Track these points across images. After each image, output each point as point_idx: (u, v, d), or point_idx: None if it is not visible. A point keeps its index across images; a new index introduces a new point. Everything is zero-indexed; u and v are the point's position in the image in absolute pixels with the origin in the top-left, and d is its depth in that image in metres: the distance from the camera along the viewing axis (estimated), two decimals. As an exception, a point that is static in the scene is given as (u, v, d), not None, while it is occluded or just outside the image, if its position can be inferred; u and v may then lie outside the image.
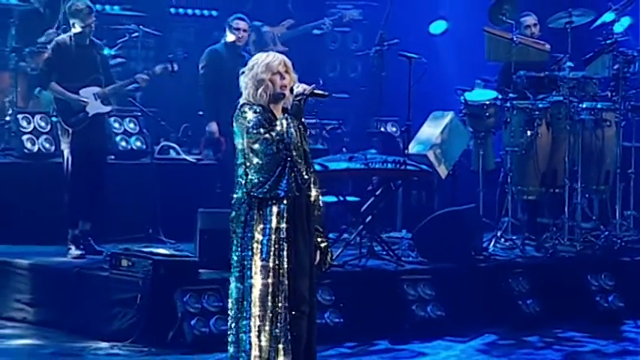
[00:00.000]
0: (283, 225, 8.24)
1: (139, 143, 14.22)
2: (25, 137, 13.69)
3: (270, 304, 8.25)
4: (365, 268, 12.42)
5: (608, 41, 13.97)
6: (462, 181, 14.25)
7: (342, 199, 12.90)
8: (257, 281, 8.23)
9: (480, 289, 12.63)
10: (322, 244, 8.51)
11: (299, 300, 8.31)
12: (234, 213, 8.34)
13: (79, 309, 11.74)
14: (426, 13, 16.79)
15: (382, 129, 15.65)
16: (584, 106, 13.68)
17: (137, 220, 13.49)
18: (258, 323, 8.24)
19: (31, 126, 13.71)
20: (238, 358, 8.28)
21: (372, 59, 15.04)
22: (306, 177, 8.28)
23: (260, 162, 8.17)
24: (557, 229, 13.70)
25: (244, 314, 8.27)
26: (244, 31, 13.93)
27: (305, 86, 8.33)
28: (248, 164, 8.21)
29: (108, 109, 12.99)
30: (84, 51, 12.85)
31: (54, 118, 13.20)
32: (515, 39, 13.81)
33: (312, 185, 8.45)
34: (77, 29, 12.81)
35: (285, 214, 8.25)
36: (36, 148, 13.75)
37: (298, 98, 8.29)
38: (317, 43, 17.18)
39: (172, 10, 16.51)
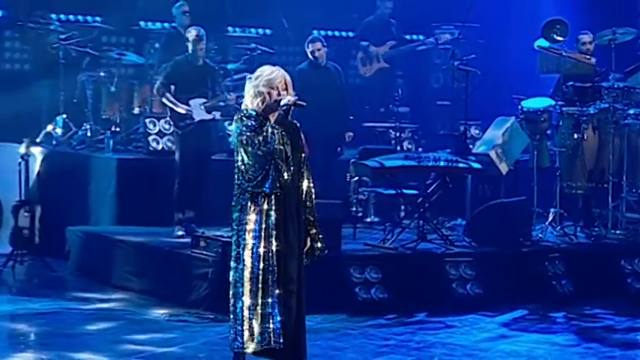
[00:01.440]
0: (272, 213, 8.03)
1: None
2: (150, 138, 13.72)
3: (260, 284, 8.02)
4: (415, 251, 12.07)
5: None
6: (524, 176, 13.77)
7: (399, 191, 12.61)
8: (248, 262, 8.03)
9: (519, 270, 12.15)
10: (312, 232, 8.26)
11: (288, 280, 8.09)
12: (233, 202, 8.17)
13: (168, 281, 11.74)
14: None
15: (468, 132, 15.32)
16: (631, 112, 13.04)
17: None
18: (250, 300, 8.02)
19: (157, 128, 13.73)
20: (235, 331, 8.07)
21: (455, 72, 14.79)
22: (285, 177, 8.04)
23: (250, 162, 8.01)
24: (603, 219, 13.15)
25: (239, 291, 8.07)
26: (319, 50, 13.49)
27: (290, 98, 8.10)
28: (242, 162, 8.04)
29: (211, 116, 12.90)
30: (195, 69, 12.89)
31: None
32: (564, 54, 13.41)
33: (304, 179, 8.21)
34: (190, 51, 12.92)
35: (274, 204, 8.04)
36: (160, 147, 13.76)
37: (284, 108, 8.09)
38: (425, 58, 17.01)
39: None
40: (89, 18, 15.61)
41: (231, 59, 15.21)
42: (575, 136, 13.19)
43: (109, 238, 12.66)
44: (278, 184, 8.03)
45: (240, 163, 8.07)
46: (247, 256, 8.06)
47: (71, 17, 15.74)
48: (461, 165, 12.63)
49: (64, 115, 14.52)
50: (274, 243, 8.05)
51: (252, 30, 16.32)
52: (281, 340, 8.02)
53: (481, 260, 12.11)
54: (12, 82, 15.08)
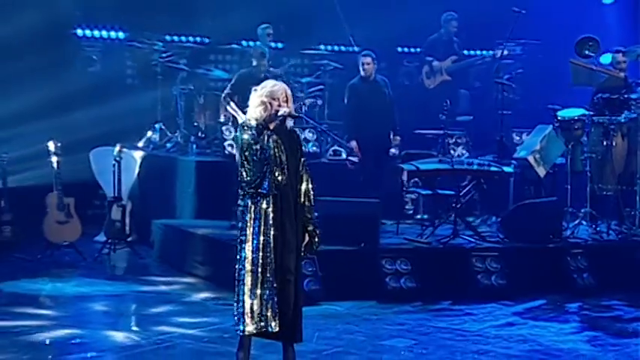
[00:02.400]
0: (270, 212, 7.98)
1: (314, 148, 14.01)
2: (226, 143, 13.77)
3: (259, 274, 7.99)
4: (447, 245, 11.89)
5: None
6: (561, 179, 13.36)
7: (435, 191, 12.48)
8: (249, 255, 8.01)
9: (543, 264, 11.88)
10: (308, 228, 8.20)
11: (285, 270, 8.03)
12: (238, 202, 8.14)
13: (226, 268, 11.74)
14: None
15: (518, 138, 15.09)
16: (658, 122, 12.74)
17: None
18: (250, 288, 8.00)
19: (232, 134, 13.77)
20: (237, 315, 8.01)
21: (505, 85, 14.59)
22: (280, 179, 7.99)
23: (249, 166, 7.99)
24: (631, 218, 12.82)
25: (241, 280, 8.05)
26: (368, 64, 13.34)
27: (286, 110, 8.06)
28: (243, 167, 8.00)
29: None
30: (257, 82, 12.87)
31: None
32: (594, 68, 13.11)
33: (303, 181, 8.15)
34: (254, 65, 13.03)
35: (271, 204, 7.99)
36: (234, 151, 13.87)
37: (280, 118, 8.10)
38: (488, 71, 16.75)
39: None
40: (183, 38, 15.87)
41: (306, 74, 15.30)
42: (605, 142, 12.87)
43: (183, 230, 12.84)
44: (274, 186, 7.98)
45: (241, 168, 8.03)
46: (248, 249, 8.04)
47: (175, 38, 16.02)
48: (493, 168, 12.46)
49: (161, 123, 14.80)
50: (272, 238, 8.00)
51: (325, 47, 16.31)
52: (277, 326, 7.98)
53: (507, 254, 11.86)
54: (122, 94, 15.38)
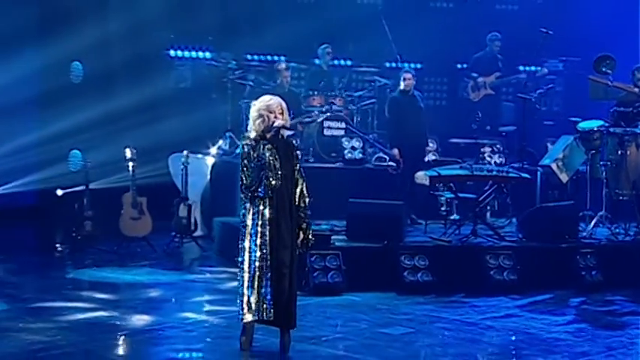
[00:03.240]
0: (266, 212, 8.18)
1: (360, 155, 14.08)
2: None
3: (257, 269, 8.18)
4: (465, 243, 11.87)
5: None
6: (583, 184, 13.25)
7: (456, 195, 12.46)
8: (248, 250, 8.23)
9: (554, 262, 11.75)
10: (303, 226, 8.35)
11: (280, 265, 8.23)
12: (239, 204, 8.40)
13: None
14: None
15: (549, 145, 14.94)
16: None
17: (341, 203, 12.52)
18: (248, 282, 8.21)
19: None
20: (239, 304, 8.25)
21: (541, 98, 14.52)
22: (274, 183, 8.16)
23: (248, 172, 8.20)
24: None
25: (241, 273, 8.28)
26: (409, 79, 13.43)
27: (279, 122, 8.24)
28: (243, 172, 8.22)
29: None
30: (283, 96, 13.07)
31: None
32: (609, 84, 12.92)
33: (298, 184, 8.31)
34: (279, 81, 13.19)
35: (267, 205, 8.19)
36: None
37: (275, 129, 8.27)
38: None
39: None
40: (249, 56, 16.17)
41: (358, 89, 15.43)
42: (620, 152, 12.71)
43: (234, 226, 12.94)
44: (270, 190, 8.17)
45: (242, 173, 8.24)
46: (247, 245, 8.26)
47: (252, 56, 16.37)
48: (511, 174, 12.40)
49: (230, 132, 15.08)
50: (268, 235, 8.20)
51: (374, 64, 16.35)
52: (272, 315, 8.17)
53: (521, 253, 11.77)
54: (201, 106, 15.70)
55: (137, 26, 15.31)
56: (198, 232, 14.01)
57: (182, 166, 13.75)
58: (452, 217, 13.29)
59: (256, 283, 8.22)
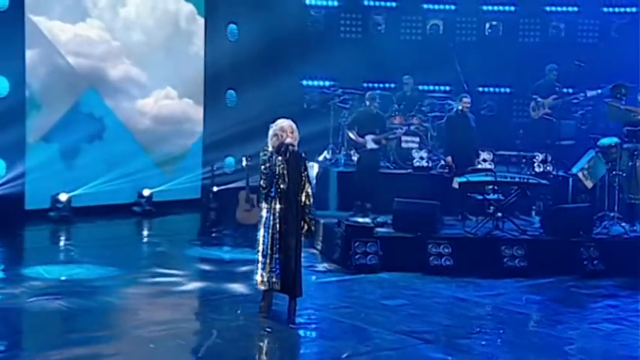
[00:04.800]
0: (277, 208, 8.88)
1: (426, 163, 14.43)
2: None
3: (269, 249, 8.89)
4: (487, 235, 12.05)
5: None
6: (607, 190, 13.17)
7: (484, 196, 12.74)
8: (262, 237, 8.96)
9: (562, 252, 11.82)
10: (306, 219, 8.96)
11: (287, 248, 8.92)
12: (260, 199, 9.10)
13: (331, 245, 12.34)
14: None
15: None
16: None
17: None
18: (262, 261, 8.94)
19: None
20: (255, 278, 9.04)
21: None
22: (282, 187, 8.85)
23: (264, 177, 8.96)
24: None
25: (256, 253, 9.03)
26: (467, 103, 13.73)
27: (288, 140, 8.91)
28: (260, 177, 8.96)
29: (377, 146, 13.65)
30: (370, 117, 13.77)
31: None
32: (621, 107, 12.95)
33: (304, 188, 8.90)
34: (368, 105, 13.87)
35: (278, 203, 8.89)
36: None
37: (285, 145, 8.92)
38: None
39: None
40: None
41: (434, 110, 15.89)
42: (630, 163, 12.81)
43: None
44: (279, 191, 8.92)
45: (260, 179, 8.99)
46: (261, 233, 9.00)
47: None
48: (531, 181, 12.65)
49: (332, 145, 15.83)
50: (277, 226, 8.91)
51: (438, 87, 16.80)
52: (279, 286, 8.91)
53: (533, 245, 11.95)
54: (317, 124, 16.11)
55: (282, 60, 16.48)
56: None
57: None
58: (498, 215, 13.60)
59: (268, 261, 8.91)
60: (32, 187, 14.35)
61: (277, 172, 8.92)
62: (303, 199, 9.04)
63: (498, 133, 15.54)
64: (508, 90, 17.75)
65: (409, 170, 14.50)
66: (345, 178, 14.35)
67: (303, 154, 9.30)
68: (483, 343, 8.52)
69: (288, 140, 8.98)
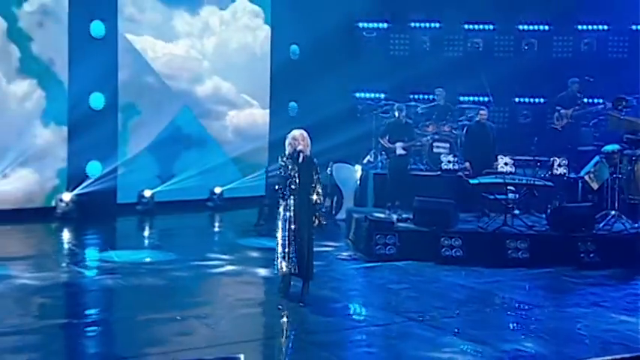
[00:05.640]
0: (292, 205, 9.39)
1: (452, 166, 14.48)
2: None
3: (286, 239, 9.42)
4: (497, 230, 12.28)
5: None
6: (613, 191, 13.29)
7: (494, 196, 12.96)
8: (280, 230, 9.48)
9: (562, 246, 11.96)
10: (317, 214, 9.48)
11: (301, 237, 9.41)
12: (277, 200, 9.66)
13: (361, 238, 12.66)
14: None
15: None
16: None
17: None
18: (281, 250, 9.46)
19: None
20: (275, 265, 9.58)
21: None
22: (293, 187, 9.38)
23: (280, 180, 9.51)
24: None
25: (276, 244, 9.55)
26: (484, 114, 14.02)
27: (300, 148, 9.43)
28: (279, 178, 9.53)
29: (404, 152, 14.01)
30: (399, 126, 14.12)
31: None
32: (621, 118, 13.08)
33: (315, 189, 9.41)
34: (397, 115, 14.29)
35: (292, 201, 9.39)
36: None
37: (297, 152, 9.46)
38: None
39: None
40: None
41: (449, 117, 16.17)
42: (629, 167, 12.93)
43: (350, 212, 14.01)
44: (292, 191, 9.47)
45: (278, 180, 9.61)
46: (279, 227, 9.54)
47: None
48: (537, 182, 12.90)
49: (374, 149, 16.29)
50: (292, 221, 9.44)
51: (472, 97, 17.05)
52: (297, 270, 9.48)
53: (537, 239, 12.12)
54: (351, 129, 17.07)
55: (336, 75, 17.12)
56: (341, 216, 15.45)
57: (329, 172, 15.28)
58: (516, 212, 13.82)
59: (286, 249, 9.47)
60: (122, 182, 15.59)
61: (290, 176, 9.48)
62: (315, 197, 9.56)
63: (520, 140, 15.75)
64: (542, 100, 17.93)
65: (438, 172, 14.91)
66: (380, 179, 14.81)
67: (315, 159, 9.81)
68: (459, 320, 8.86)
69: (299, 147, 9.52)
